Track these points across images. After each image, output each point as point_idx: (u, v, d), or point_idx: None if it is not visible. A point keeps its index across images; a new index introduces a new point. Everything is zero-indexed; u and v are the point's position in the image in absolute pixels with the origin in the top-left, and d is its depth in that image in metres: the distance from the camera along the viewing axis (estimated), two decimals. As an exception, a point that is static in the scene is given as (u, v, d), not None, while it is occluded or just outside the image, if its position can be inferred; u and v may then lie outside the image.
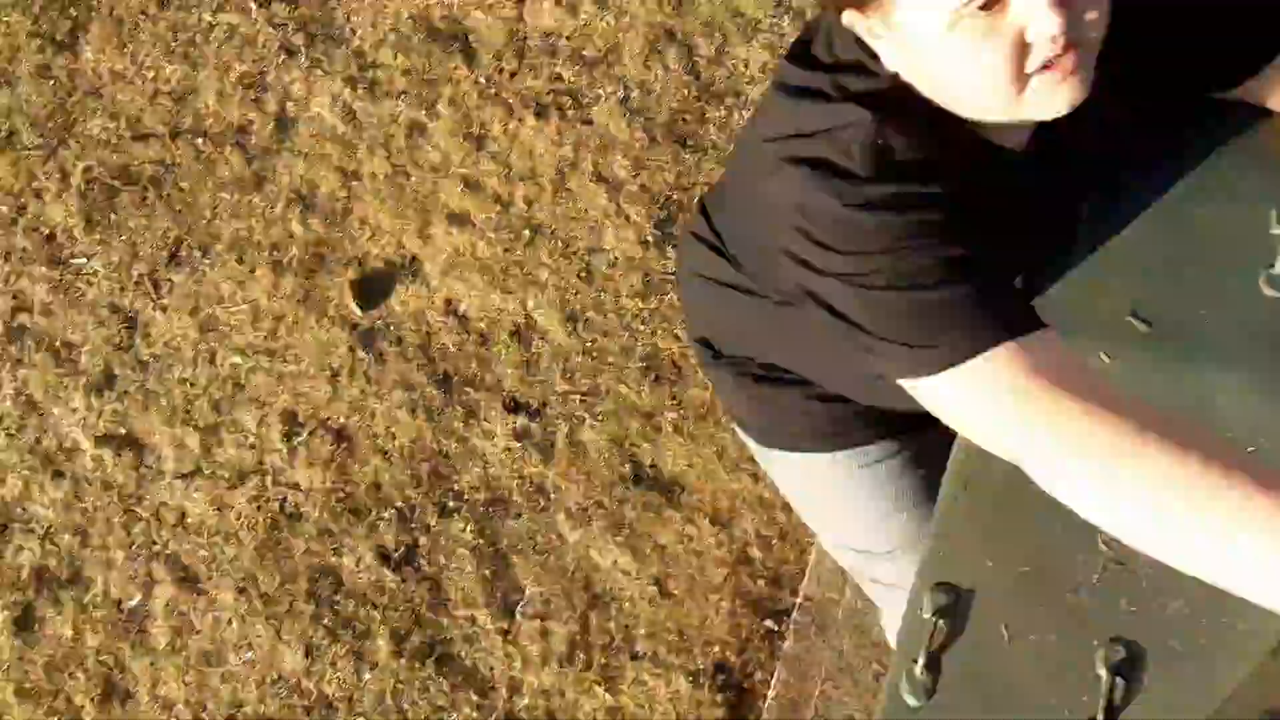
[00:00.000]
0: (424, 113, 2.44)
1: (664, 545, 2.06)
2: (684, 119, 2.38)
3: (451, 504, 2.11)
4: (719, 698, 1.95)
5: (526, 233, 2.30)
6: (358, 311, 2.27)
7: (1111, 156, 1.05)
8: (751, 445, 1.39)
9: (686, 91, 2.40)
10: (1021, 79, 0.85)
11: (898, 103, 0.91)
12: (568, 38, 2.46)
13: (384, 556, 2.09)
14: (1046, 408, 0.81)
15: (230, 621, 2.07)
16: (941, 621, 0.94)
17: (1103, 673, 0.90)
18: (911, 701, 0.92)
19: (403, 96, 2.45)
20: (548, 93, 2.42)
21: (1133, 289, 1.02)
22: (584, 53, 2.44)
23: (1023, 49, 0.84)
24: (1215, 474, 0.75)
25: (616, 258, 2.27)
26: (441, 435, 2.16)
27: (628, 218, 2.30)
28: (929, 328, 0.86)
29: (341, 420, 2.19)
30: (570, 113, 2.40)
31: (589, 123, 2.38)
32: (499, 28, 2.50)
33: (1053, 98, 0.87)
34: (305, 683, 2.01)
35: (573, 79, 2.42)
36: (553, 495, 2.10)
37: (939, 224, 0.89)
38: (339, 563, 2.09)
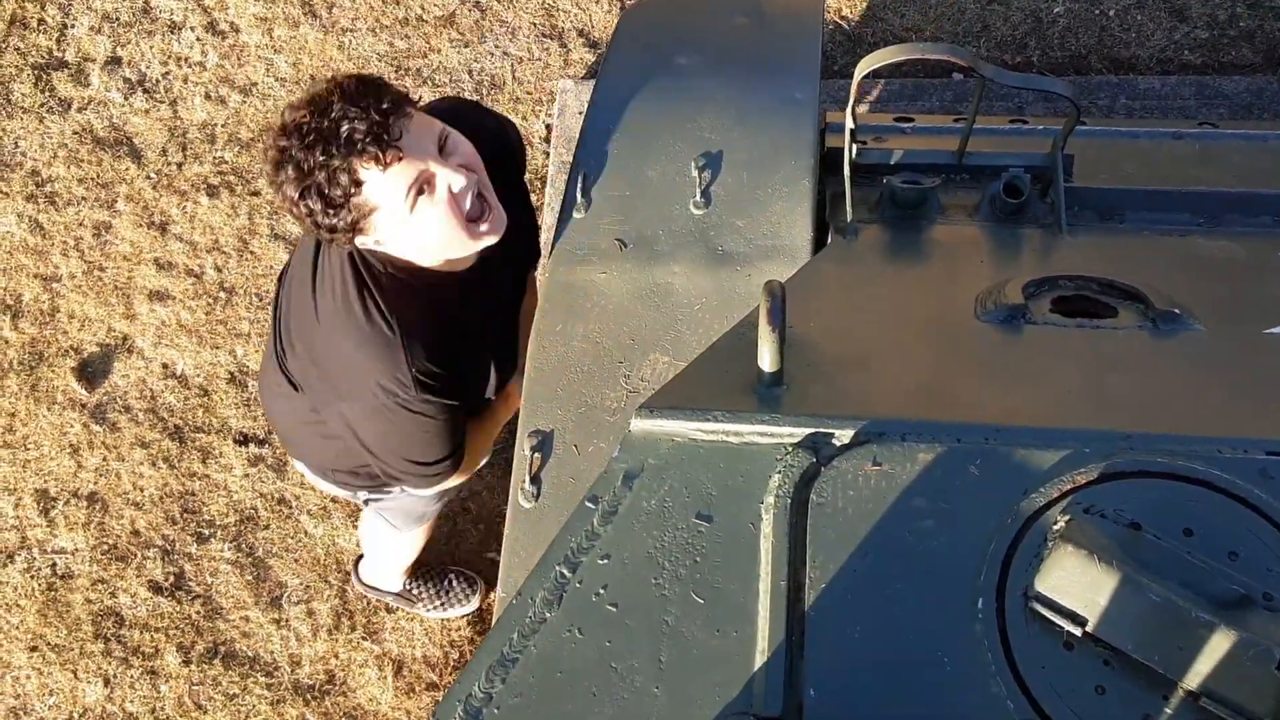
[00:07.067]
0: (106, 212, 2.76)
1: (395, 519, 2.47)
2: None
3: (206, 531, 2.45)
4: (470, 628, 2.40)
5: (222, 295, 2.67)
6: (84, 393, 2.57)
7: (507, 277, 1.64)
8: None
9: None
10: (467, 224, 1.38)
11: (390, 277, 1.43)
12: (222, 125, 2.84)
13: (156, 588, 2.41)
14: None
15: (29, 676, 2.34)
16: (536, 454, 1.43)
17: None
18: (525, 505, 1.40)
19: (83, 202, 2.76)
20: (215, 175, 2.79)
21: (614, 229, 1.57)
22: (239, 135, 2.83)
23: (455, 200, 1.35)
24: None
25: (305, 299, 2.66)
26: (184, 478, 2.50)
27: (308, 264, 2.70)
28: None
29: (91, 486, 2.49)
30: (239, 188, 2.78)
31: (256, 194, 2.76)
32: (158, 128, 2.84)
33: (487, 236, 1.41)
34: (109, 707, 2.31)
35: (234, 159, 2.81)
36: (293, 503, 2.48)
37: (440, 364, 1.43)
38: (117, 603, 2.39)
